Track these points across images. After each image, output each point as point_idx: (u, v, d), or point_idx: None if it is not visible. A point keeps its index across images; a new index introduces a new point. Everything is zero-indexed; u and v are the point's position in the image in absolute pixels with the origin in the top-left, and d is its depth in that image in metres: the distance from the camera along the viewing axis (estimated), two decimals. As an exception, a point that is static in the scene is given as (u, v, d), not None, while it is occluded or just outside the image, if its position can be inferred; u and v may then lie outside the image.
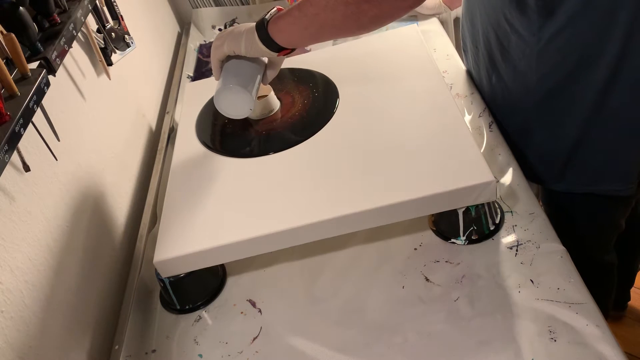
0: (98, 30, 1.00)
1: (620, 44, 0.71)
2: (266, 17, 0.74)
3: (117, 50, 1.05)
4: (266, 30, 0.73)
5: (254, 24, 0.75)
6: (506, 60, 0.84)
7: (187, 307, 0.77)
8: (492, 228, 0.74)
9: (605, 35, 0.71)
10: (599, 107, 0.78)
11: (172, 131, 1.15)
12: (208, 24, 1.52)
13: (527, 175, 0.83)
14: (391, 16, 0.69)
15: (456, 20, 1.40)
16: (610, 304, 1.29)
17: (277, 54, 0.76)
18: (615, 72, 0.73)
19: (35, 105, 0.65)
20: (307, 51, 1.30)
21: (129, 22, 1.11)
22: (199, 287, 0.78)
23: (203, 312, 0.77)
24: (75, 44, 0.93)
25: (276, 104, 0.91)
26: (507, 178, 0.82)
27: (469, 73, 1.04)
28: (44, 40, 0.75)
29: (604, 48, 0.72)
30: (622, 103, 0.76)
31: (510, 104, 0.89)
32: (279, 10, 0.75)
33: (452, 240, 0.75)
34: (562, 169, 0.88)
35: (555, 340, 0.61)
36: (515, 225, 0.74)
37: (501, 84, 0.88)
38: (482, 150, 0.84)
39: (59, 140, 0.76)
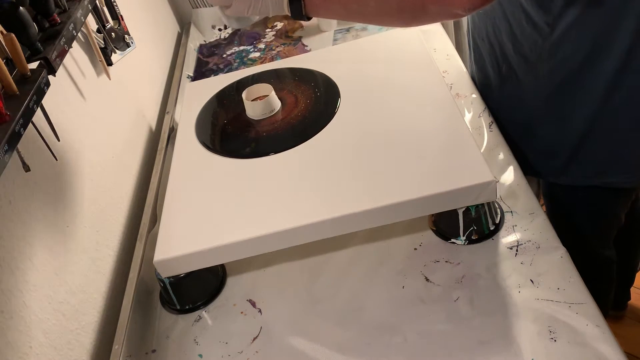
0: (98, 30, 1.00)
1: (631, 35, 0.72)
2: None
3: (117, 50, 1.05)
4: (303, 11, 0.75)
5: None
6: (517, 51, 0.84)
7: (187, 307, 0.77)
8: (492, 228, 0.74)
9: (616, 26, 0.72)
10: (607, 98, 0.78)
11: (172, 131, 1.15)
12: (208, 24, 1.52)
13: (529, 170, 0.83)
14: (438, 20, 0.72)
15: (456, 20, 1.40)
16: (609, 301, 1.29)
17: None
18: (625, 63, 0.74)
19: (35, 105, 0.65)
20: (308, 51, 1.30)
21: (129, 22, 1.11)
22: (199, 287, 0.78)
23: (203, 312, 0.77)
24: (75, 44, 0.93)
25: (277, 104, 0.91)
26: (507, 178, 0.82)
27: (469, 73, 1.04)
28: (44, 40, 0.75)
29: (615, 39, 0.73)
30: (631, 94, 0.77)
31: (519, 95, 0.89)
32: None
33: (452, 240, 0.75)
34: (567, 162, 0.88)
35: (555, 340, 0.61)
36: (515, 225, 0.74)
37: (511, 75, 0.88)
38: (482, 150, 0.84)
39: (59, 140, 0.76)
